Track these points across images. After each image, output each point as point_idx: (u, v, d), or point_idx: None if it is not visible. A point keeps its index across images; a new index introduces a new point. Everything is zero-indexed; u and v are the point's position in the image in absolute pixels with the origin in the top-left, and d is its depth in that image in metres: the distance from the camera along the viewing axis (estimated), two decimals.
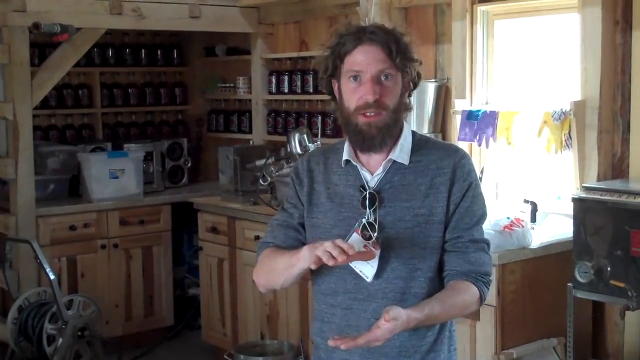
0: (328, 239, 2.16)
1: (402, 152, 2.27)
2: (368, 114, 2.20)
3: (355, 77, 2.21)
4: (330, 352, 2.31)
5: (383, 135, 2.23)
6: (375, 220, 2.23)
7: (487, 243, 2.32)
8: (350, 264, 2.17)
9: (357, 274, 2.22)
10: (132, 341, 5.48)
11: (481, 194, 2.33)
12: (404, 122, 2.31)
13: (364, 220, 2.23)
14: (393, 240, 2.22)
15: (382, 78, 2.20)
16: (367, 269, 2.21)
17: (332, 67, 2.26)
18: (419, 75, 2.30)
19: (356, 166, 2.29)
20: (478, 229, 2.30)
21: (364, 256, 2.15)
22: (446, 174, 2.26)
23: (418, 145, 2.31)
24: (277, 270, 2.29)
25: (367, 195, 2.25)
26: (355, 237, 2.20)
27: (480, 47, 4.45)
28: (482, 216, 2.31)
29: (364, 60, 2.20)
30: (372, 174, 2.28)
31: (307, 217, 2.35)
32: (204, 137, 6.64)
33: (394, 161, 2.27)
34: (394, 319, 2.03)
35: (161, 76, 6.57)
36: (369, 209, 2.24)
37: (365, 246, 2.17)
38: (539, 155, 4.12)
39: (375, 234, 2.21)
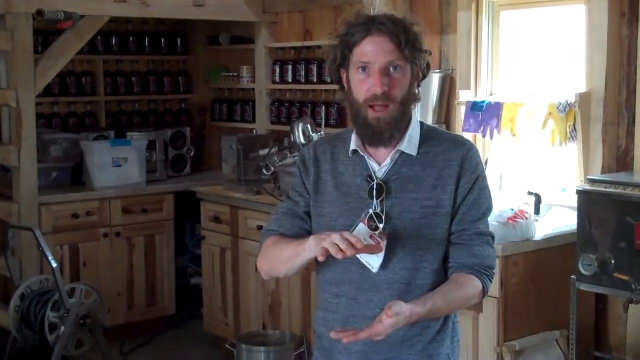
0: (334, 229, 2.15)
1: (410, 143, 2.26)
2: (376, 107, 2.19)
3: (363, 68, 2.19)
4: (333, 341, 2.30)
5: (392, 130, 2.21)
6: (382, 211, 2.22)
7: (492, 236, 2.32)
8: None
9: (362, 263, 2.21)
10: (133, 329, 5.48)
11: (487, 186, 2.32)
12: (412, 113, 2.29)
13: (370, 211, 2.22)
14: (399, 231, 2.21)
15: (391, 69, 2.18)
16: (373, 260, 2.20)
17: (341, 57, 2.24)
18: (428, 66, 2.28)
19: (363, 156, 2.28)
20: (484, 221, 2.29)
21: (372, 249, 2.14)
22: (454, 166, 2.25)
23: (426, 137, 2.29)
24: (281, 259, 2.28)
25: (375, 186, 2.23)
26: (362, 227, 2.20)
27: (486, 38, 4.44)
28: (488, 209, 2.31)
29: (372, 51, 2.17)
30: (380, 165, 2.27)
31: (313, 205, 2.33)
32: (207, 126, 6.63)
33: (402, 152, 2.25)
34: (396, 314, 2.03)
35: (165, 64, 6.55)
36: (376, 199, 2.22)
37: (371, 236, 2.16)
38: (543, 147, 4.12)
39: (382, 224, 2.20)
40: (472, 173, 2.26)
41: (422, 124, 2.33)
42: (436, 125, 4.46)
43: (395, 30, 2.18)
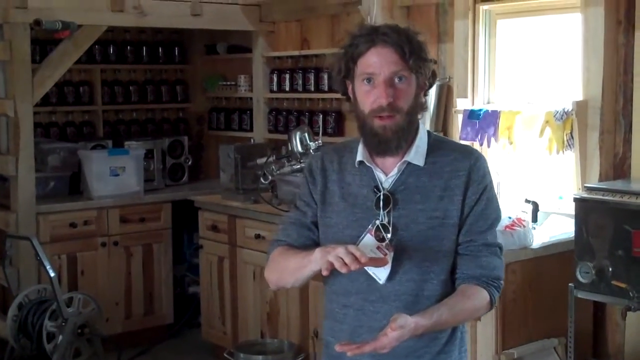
0: (341, 239, 2.15)
1: (417, 153, 2.25)
2: (383, 116, 2.18)
3: (368, 80, 2.19)
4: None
5: (399, 139, 2.20)
6: (389, 222, 2.20)
7: (500, 247, 2.30)
8: None
9: (370, 275, 2.20)
10: (132, 339, 5.47)
11: (495, 197, 2.31)
12: (419, 122, 2.29)
13: (377, 222, 2.21)
14: (407, 243, 2.20)
15: (396, 80, 2.18)
16: (380, 271, 2.19)
17: (346, 68, 2.23)
18: (433, 75, 2.28)
19: (370, 167, 2.27)
20: (491, 232, 2.28)
21: (377, 262, 2.13)
22: (461, 177, 2.24)
23: (433, 147, 2.28)
24: (288, 270, 2.27)
25: (382, 197, 2.22)
26: (369, 239, 2.19)
27: (483, 47, 4.45)
28: (496, 219, 2.30)
29: (376, 62, 2.17)
30: (387, 175, 2.25)
31: (320, 216, 2.33)
32: (205, 135, 6.64)
33: (409, 162, 2.24)
34: (401, 327, 2.02)
35: (162, 74, 6.56)
36: (383, 210, 2.21)
37: (378, 248, 2.16)
38: (540, 155, 4.12)
39: (389, 235, 2.19)
40: (479, 184, 2.25)
41: (429, 133, 2.31)
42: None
43: (399, 40, 2.17)
